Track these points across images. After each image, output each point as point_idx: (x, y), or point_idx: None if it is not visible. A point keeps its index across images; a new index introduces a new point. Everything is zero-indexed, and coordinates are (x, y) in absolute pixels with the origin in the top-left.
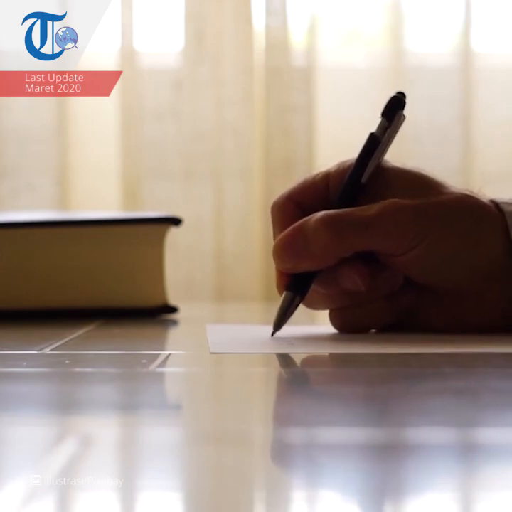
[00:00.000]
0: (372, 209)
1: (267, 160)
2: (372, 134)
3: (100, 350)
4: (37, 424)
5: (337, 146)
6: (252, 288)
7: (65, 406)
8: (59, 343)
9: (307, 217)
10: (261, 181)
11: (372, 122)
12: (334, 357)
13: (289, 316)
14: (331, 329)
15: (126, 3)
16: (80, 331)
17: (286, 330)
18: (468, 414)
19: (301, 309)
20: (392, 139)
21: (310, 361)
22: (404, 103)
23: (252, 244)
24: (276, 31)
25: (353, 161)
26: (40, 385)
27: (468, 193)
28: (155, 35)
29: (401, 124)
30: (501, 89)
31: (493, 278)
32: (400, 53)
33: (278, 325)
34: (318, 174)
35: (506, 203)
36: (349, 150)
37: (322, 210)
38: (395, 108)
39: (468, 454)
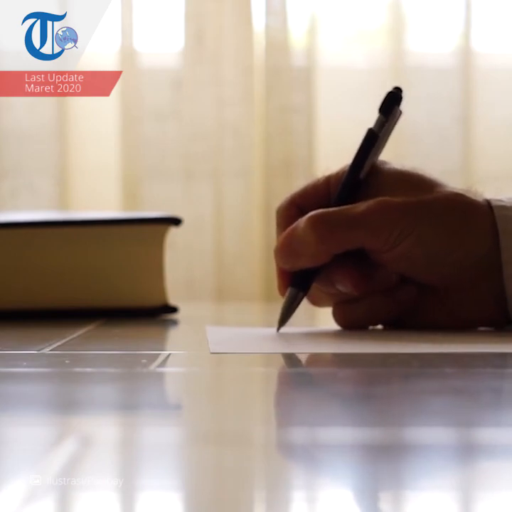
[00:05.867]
0: (360, 207)
1: (267, 160)
2: (370, 130)
3: (100, 350)
4: (37, 424)
5: (337, 146)
6: (252, 288)
7: (65, 406)
8: (59, 343)
9: (301, 219)
10: (261, 181)
11: (373, 122)
12: (334, 357)
13: (292, 312)
14: (331, 330)
15: (126, 3)
16: (80, 331)
17: (287, 330)
18: (468, 414)
19: (302, 310)
20: (390, 134)
21: (310, 361)
22: (401, 98)
23: (252, 244)
24: (276, 31)
25: None
26: (40, 385)
27: (459, 191)
28: (155, 35)
29: (398, 119)
30: (501, 89)
31: (482, 275)
32: (400, 53)
33: (283, 320)
34: (320, 178)
35: (497, 200)
36: (349, 150)
37: None
38: (391, 103)
39: (468, 454)
